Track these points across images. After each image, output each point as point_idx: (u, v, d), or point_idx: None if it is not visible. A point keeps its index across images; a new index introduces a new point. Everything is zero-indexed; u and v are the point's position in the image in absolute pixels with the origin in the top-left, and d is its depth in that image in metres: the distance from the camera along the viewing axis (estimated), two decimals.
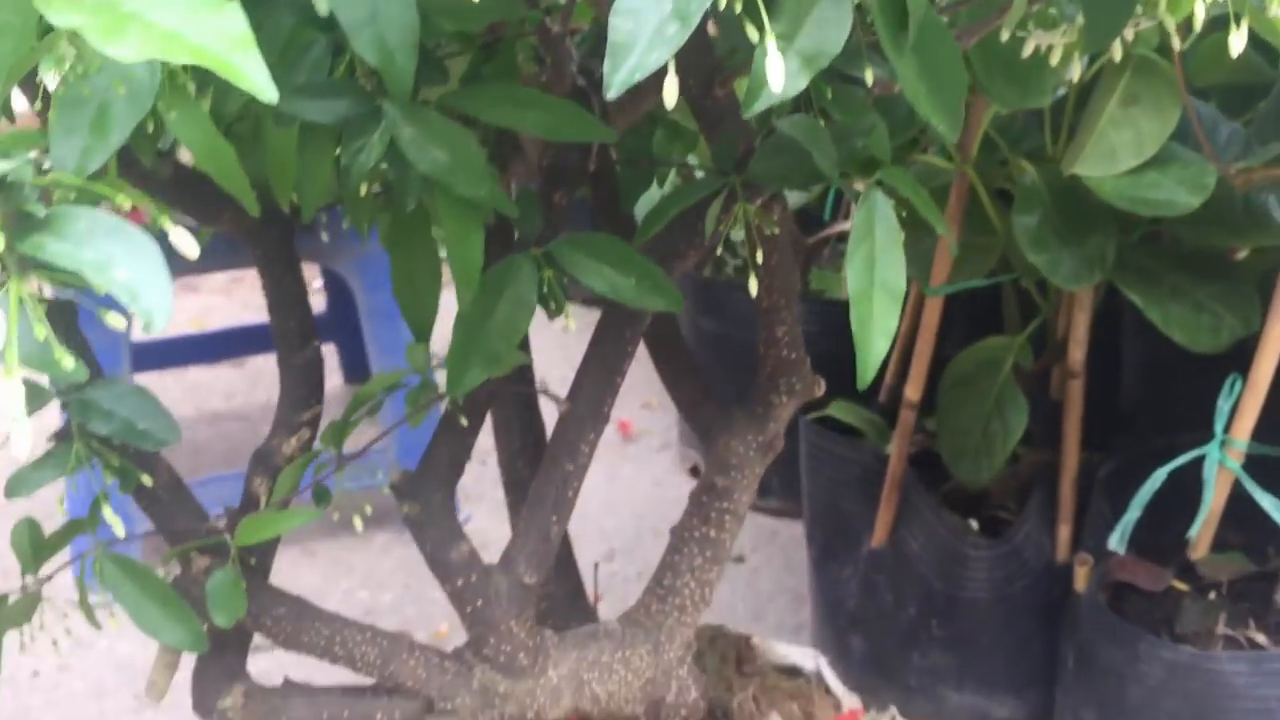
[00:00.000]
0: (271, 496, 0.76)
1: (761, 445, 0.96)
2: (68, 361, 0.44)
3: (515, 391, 0.97)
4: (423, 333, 0.77)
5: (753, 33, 0.53)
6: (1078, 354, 1.29)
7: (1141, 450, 1.29)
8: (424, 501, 0.80)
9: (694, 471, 1.98)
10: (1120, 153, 1.08)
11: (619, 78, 0.48)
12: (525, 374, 0.91)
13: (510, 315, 0.70)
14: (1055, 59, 0.82)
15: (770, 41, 0.50)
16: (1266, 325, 1.10)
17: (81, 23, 0.43)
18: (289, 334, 0.80)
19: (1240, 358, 1.17)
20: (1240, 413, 1.13)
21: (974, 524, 1.38)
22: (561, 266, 0.71)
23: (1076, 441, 1.31)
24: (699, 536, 0.95)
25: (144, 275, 0.42)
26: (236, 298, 2.58)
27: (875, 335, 0.68)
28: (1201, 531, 1.18)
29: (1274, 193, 1.09)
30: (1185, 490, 1.20)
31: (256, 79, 0.41)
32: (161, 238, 0.45)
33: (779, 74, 0.50)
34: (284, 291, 0.80)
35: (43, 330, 0.42)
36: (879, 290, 0.67)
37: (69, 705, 1.49)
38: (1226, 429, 1.15)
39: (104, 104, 0.52)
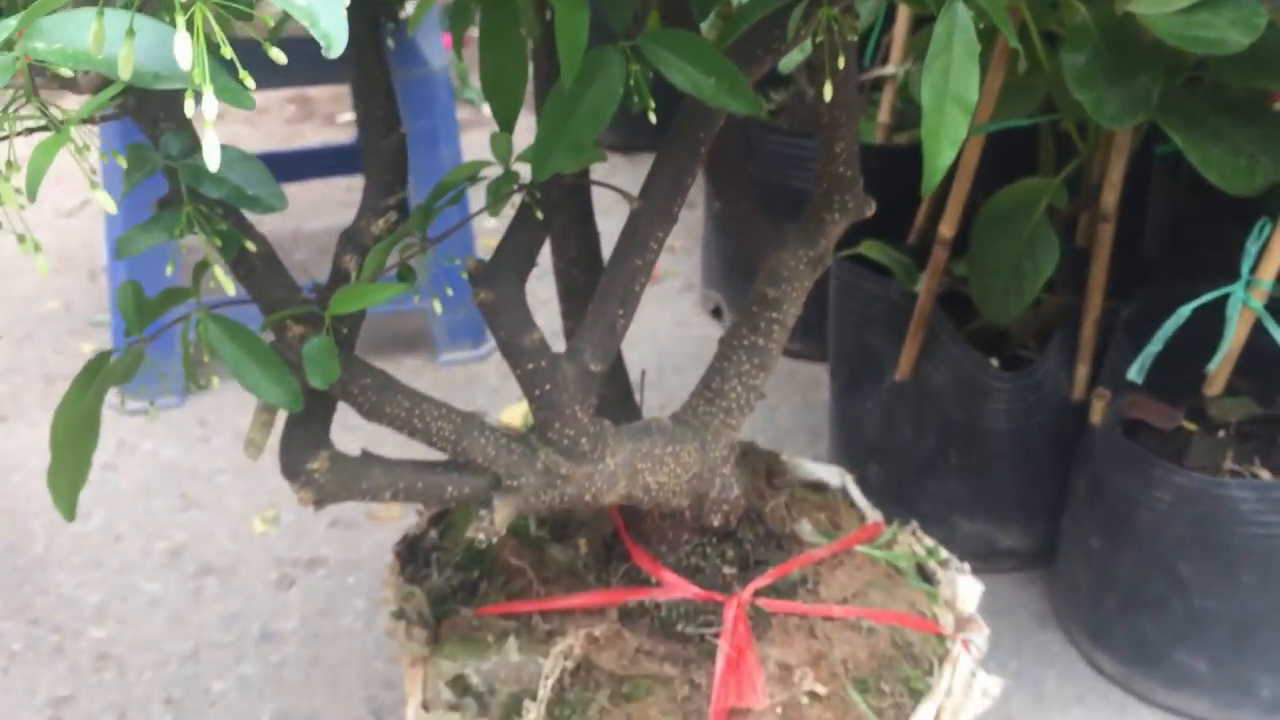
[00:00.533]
0: (360, 273, 0.79)
1: (812, 260, 0.99)
2: (251, 85, 0.47)
3: (574, 203, 1.01)
4: (508, 123, 0.80)
5: None
6: (1111, 197, 1.32)
7: (1164, 294, 1.33)
8: (498, 290, 0.84)
9: (715, 313, 2.02)
10: None
11: None
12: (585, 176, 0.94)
13: (596, 104, 0.73)
14: None
15: None
16: None
17: None
18: (375, 121, 0.83)
19: (1267, 205, 1.21)
20: (1268, 256, 1.17)
21: (995, 362, 1.42)
22: (648, 60, 0.74)
23: (1101, 285, 1.35)
24: (748, 344, 1.00)
25: (320, 1, 0.45)
26: (262, 128, 2.59)
27: (944, 144, 0.71)
28: (1219, 368, 1.23)
29: None
30: (1202, 337, 1.25)
31: None
32: None
33: None
34: (372, 80, 0.83)
35: (229, 51, 0.45)
36: (951, 102, 0.70)
37: (115, 502, 1.55)
38: (1253, 270, 1.19)
39: None
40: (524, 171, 0.81)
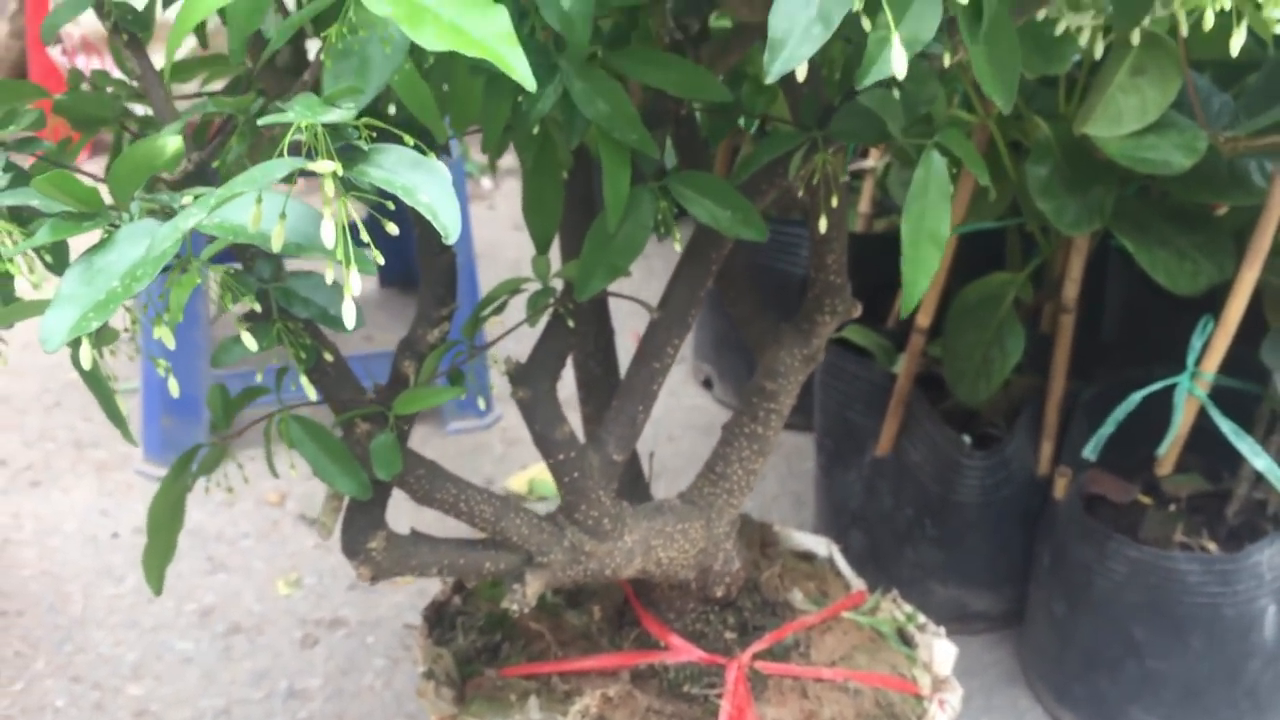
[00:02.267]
0: (418, 377, 0.91)
1: (805, 357, 1.12)
2: (378, 258, 0.59)
3: (594, 307, 1.13)
4: (544, 245, 0.93)
5: (866, 23, 0.68)
6: (1072, 291, 1.45)
7: (1120, 379, 1.46)
8: (534, 389, 0.96)
9: (706, 384, 2.15)
10: (1126, 116, 1.23)
11: (776, 67, 0.63)
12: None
13: (631, 236, 0.85)
14: (1084, 40, 0.98)
15: (895, 36, 0.65)
16: (1239, 273, 1.26)
17: (391, 12, 0.57)
18: (430, 241, 0.95)
19: (1210, 301, 1.34)
20: (1210, 349, 1.30)
21: (967, 439, 1.55)
22: (673, 198, 0.86)
23: (1064, 370, 1.49)
24: (748, 432, 1.12)
25: (441, 198, 0.56)
26: None
27: (920, 275, 0.83)
28: (1168, 451, 1.36)
29: (1255, 159, 1.25)
30: (1155, 418, 1.38)
31: (520, 70, 0.55)
32: None
33: (902, 62, 0.64)
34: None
35: (365, 234, 0.57)
36: (927, 239, 0.83)
37: None
38: (1197, 362, 1.32)
39: (365, 56, 0.66)
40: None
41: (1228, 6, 0.79)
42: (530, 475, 1.82)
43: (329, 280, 0.58)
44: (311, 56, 0.75)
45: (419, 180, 0.57)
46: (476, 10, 0.57)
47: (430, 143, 0.78)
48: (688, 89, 0.80)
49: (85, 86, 0.96)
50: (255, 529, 1.71)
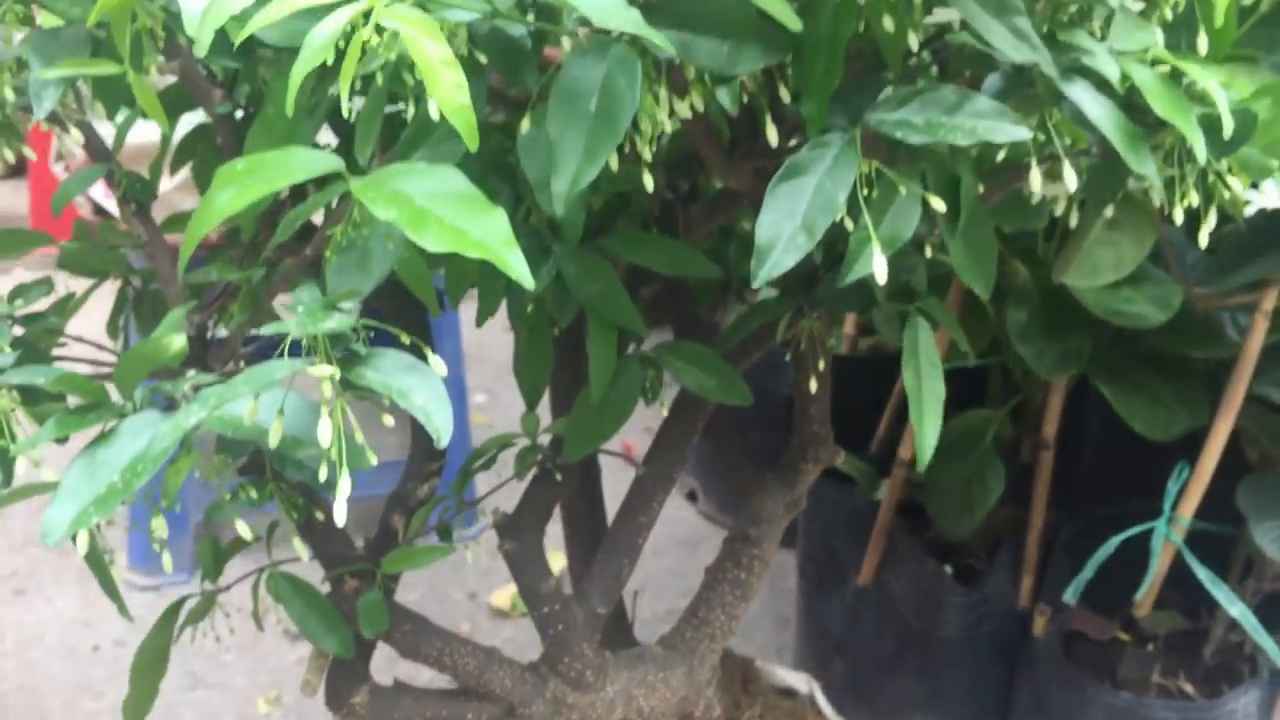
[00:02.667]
0: (407, 531, 0.93)
1: (788, 504, 1.14)
2: (372, 458, 0.61)
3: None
4: (534, 403, 0.95)
5: (848, 222, 0.71)
6: (1050, 429, 1.48)
7: (1098, 515, 1.48)
8: (521, 541, 0.97)
9: (690, 496, 2.16)
10: (1102, 268, 1.26)
11: (762, 273, 0.66)
12: None
13: (619, 404, 0.88)
14: (1059, 210, 1.01)
15: (875, 245, 0.67)
16: (1214, 423, 1.29)
17: (394, 215, 0.59)
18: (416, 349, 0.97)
19: (1188, 441, 1.37)
20: (1186, 495, 1.32)
21: (948, 569, 1.56)
22: (660, 366, 0.89)
23: (1044, 504, 1.51)
24: (730, 577, 1.13)
25: (434, 402, 0.59)
26: None
27: (928, 430, 0.86)
28: (1146, 593, 1.37)
29: (1229, 311, 1.29)
30: (1135, 552, 1.39)
31: (519, 270, 0.58)
32: None
33: (882, 269, 0.67)
34: None
35: (360, 437, 0.59)
36: (928, 396, 0.86)
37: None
38: (1173, 507, 1.34)
39: (367, 250, 0.69)
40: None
41: (1195, 203, 0.82)
42: (514, 590, 1.82)
43: (322, 478, 0.60)
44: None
45: (413, 384, 0.59)
46: (476, 212, 0.59)
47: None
48: (677, 267, 0.83)
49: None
50: (237, 643, 1.70)
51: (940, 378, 0.85)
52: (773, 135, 0.73)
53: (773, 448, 1.40)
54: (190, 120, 0.93)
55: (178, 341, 0.62)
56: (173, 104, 0.91)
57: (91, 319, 0.95)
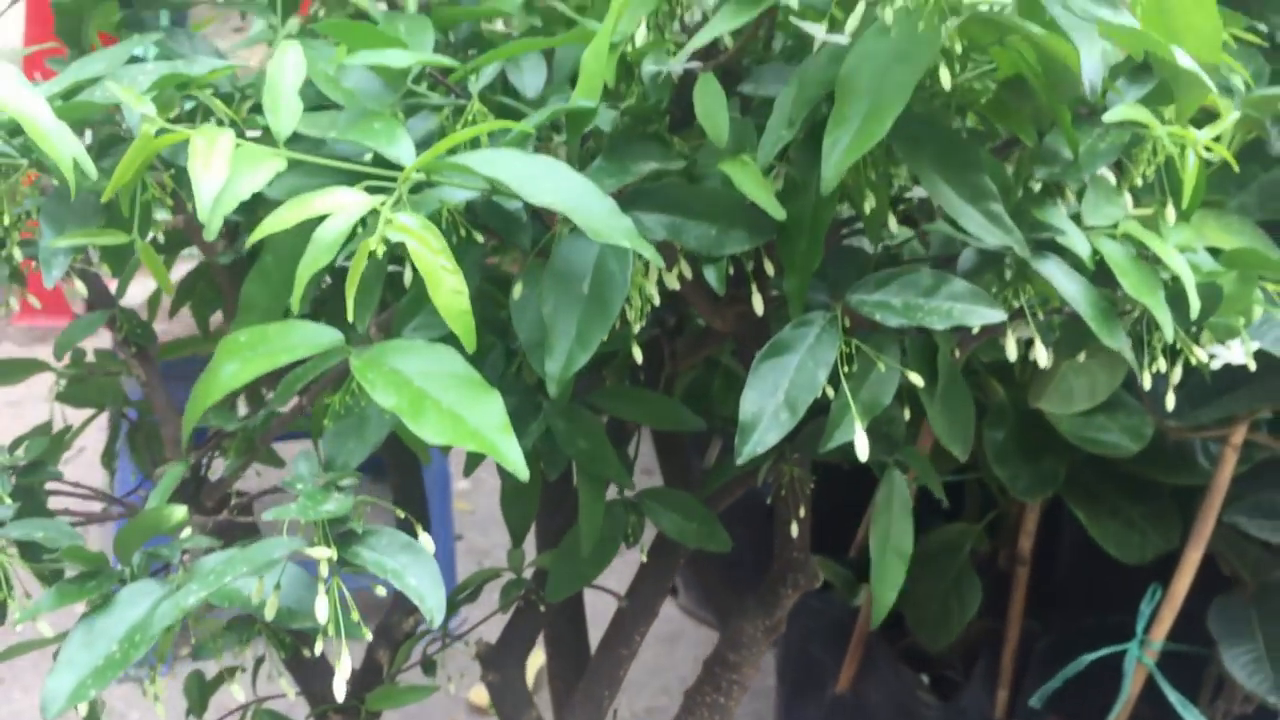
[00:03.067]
0: (392, 666, 0.94)
1: (768, 628, 1.15)
2: (366, 633, 0.63)
3: None
4: (519, 539, 0.97)
5: (829, 390, 0.74)
6: (1026, 544, 1.50)
7: (1075, 629, 1.50)
8: (503, 673, 0.99)
9: (672, 591, 2.17)
10: (1077, 395, 1.29)
11: (745, 450, 0.68)
12: None
13: (601, 548, 0.89)
14: (1041, 360, 1.03)
15: (858, 424, 0.70)
16: (1186, 550, 1.31)
17: (394, 403, 0.61)
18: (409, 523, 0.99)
19: (1158, 569, 1.39)
20: (1158, 619, 1.35)
21: (925, 679, 1.58)
22: (642, 512, 0.91)
23: (1019, 618, 1.52)
24: (709, 702, 1.14)
25: (428, 583, 0.60)
26: None
27: (887, 588, 0.88)
28: (1119, 713, 1.39)
29: (1199, 441, 1.32)
30: (1112, 660, 1.41)
31: (514, 461, 0.60)
32: None
33: (863, 443, 0.70)
34: (408, 494, 0.99)
35: (356, 615, 0.61)
36: (891, 554, 0.88)
37: None
38: (1146, 630, 1.36)
39: (364, 416, 0.71)
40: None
41: (1163, 367, 0.85)
42: None
43: (318, 651, 0.61)
44: None
45: (407, 563, 0.61)
46: (473, 397, 0.61)
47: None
48: (662, 421, 0.85)
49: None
50: None
51: (910, 531, 0.87)
52: (758, 305, 0.76)
53: (754, 546, 1.42)
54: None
55: (178, 513, 0.64)
56: (174, 241, 0.93)
57: (87, 443, 0.97)
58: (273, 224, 0.58)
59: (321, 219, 0.60)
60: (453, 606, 0.99)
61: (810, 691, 1.64)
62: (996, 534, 1.60)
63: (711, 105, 0.71)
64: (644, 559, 0.92)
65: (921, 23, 0.62)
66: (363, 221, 0.62)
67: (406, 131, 0.70)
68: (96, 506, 0.87)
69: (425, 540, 0.65)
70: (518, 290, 0.75)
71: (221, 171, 0.59)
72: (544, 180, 0.61)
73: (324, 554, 0.60)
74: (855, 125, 0.64)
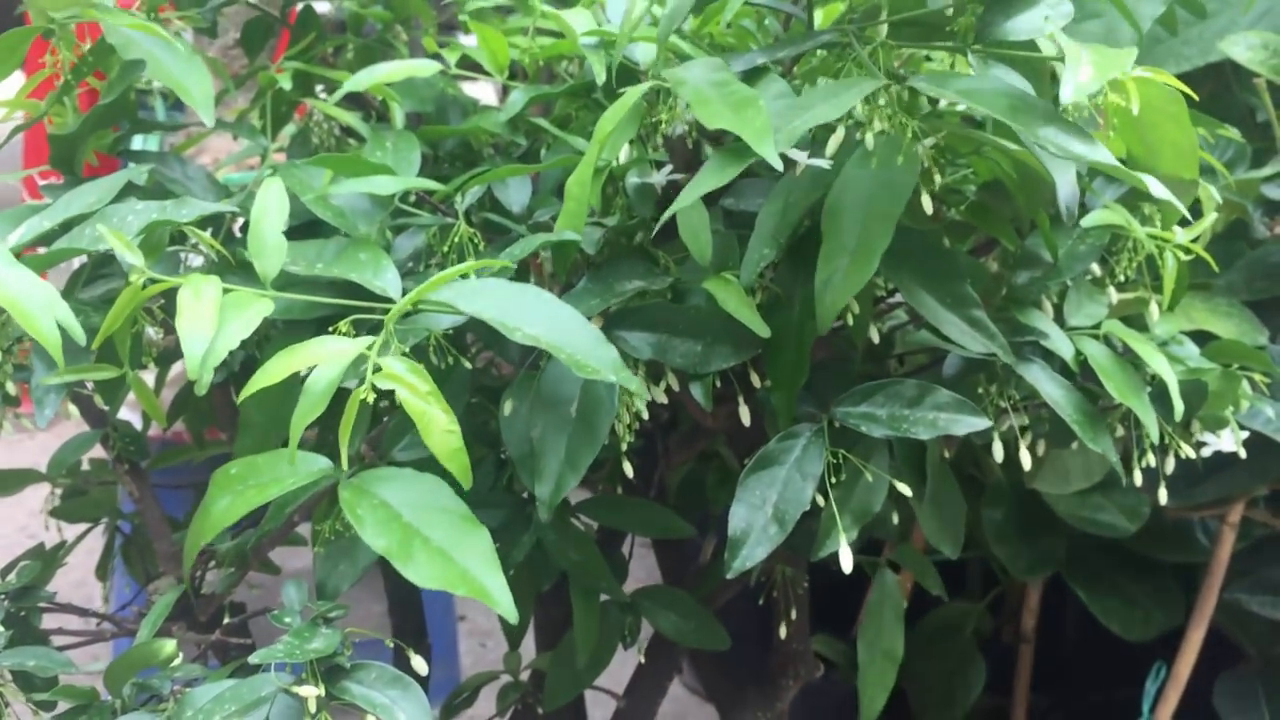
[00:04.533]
0: None
1: None
2: None
3: None
4: (514, 643, 0.97)
5: (819, 498, 0.74)
6: (1030, 621, 1.49)
7: (1079, 707, 1.49)
8: None
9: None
10: (1073, 475, 1.29)
11: (735, 564, 0.68)
12: None
13: (599, 654, 0.89)
14: (1025, 464, 1.03)
15: (842, 539, 0.70)
16: (1189, 628, 1.31)
17: (384, 545, 0.61)
18: (405, 632, 0.99)
19: (1162, 646, 1.38)
20: (1164, 700, 1.33)
21: None
22: (638, 613, 0.91)
23: (1025, 695, 1.51)
24: None
25: (417, 718, 0.60)
26: None
27: (876, 691, 0.87)
28: None
29: (1198, 519, 1.31)
30: None
31: (501, 600, 0.59)
32: None
33: (848, 558, 0.70)
34: (403, 599, 0.99)
35: None
36: (882, 657, 0.88)
37: None
38: (1152, 709, 1.35)
39: (353, 542, 0.71)
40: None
41: (1153, 462, 0.85)
42: None
43: None
44: None
45: (396, 697, 0.61)
46: (462, 535, 0.61)
47: None
48: (653, 530, 0.85)
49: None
50: None
51: (901, 635, 0.87)
52: (745, 416, 0.76)
53: (753, 628, 1.41)
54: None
55: (168, 647, 0.64)
56: (168, 355, 0.94)
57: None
58: (262, 379, 0.59)
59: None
60: (451, 710, 0.99)
61: None
62: (999, 611, 1.59)
63: (695, 224, 0.72)
64: (642, 660, 0.92)
65: (901, 156, 0.63)
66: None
67: (390, 261, 0.71)
68: (91, 622, 0.88)
69: (418, 664, 0.65)
70: (508, 407, 0.75)
71: (209, 324, 0.60)
72: (527, 313, 0.61)
73: (312, 693, 0.59)
74: (844, 265, 0.65)
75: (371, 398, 0.57)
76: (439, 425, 0.56)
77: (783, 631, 0.97)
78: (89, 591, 0.97)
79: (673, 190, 0.81)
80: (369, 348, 0.59)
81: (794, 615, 0.96)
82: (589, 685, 0.90)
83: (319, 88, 1.02)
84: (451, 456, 0.57)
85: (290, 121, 1.06)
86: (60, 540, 0.93)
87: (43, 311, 0.56)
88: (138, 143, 0.97)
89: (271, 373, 0.59)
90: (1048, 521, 1.38)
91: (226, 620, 0.80)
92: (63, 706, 0.68)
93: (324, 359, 0.58)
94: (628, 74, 0.83)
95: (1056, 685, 1.60)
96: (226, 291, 0.64)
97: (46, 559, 0.88)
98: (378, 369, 0.57)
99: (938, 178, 0.69)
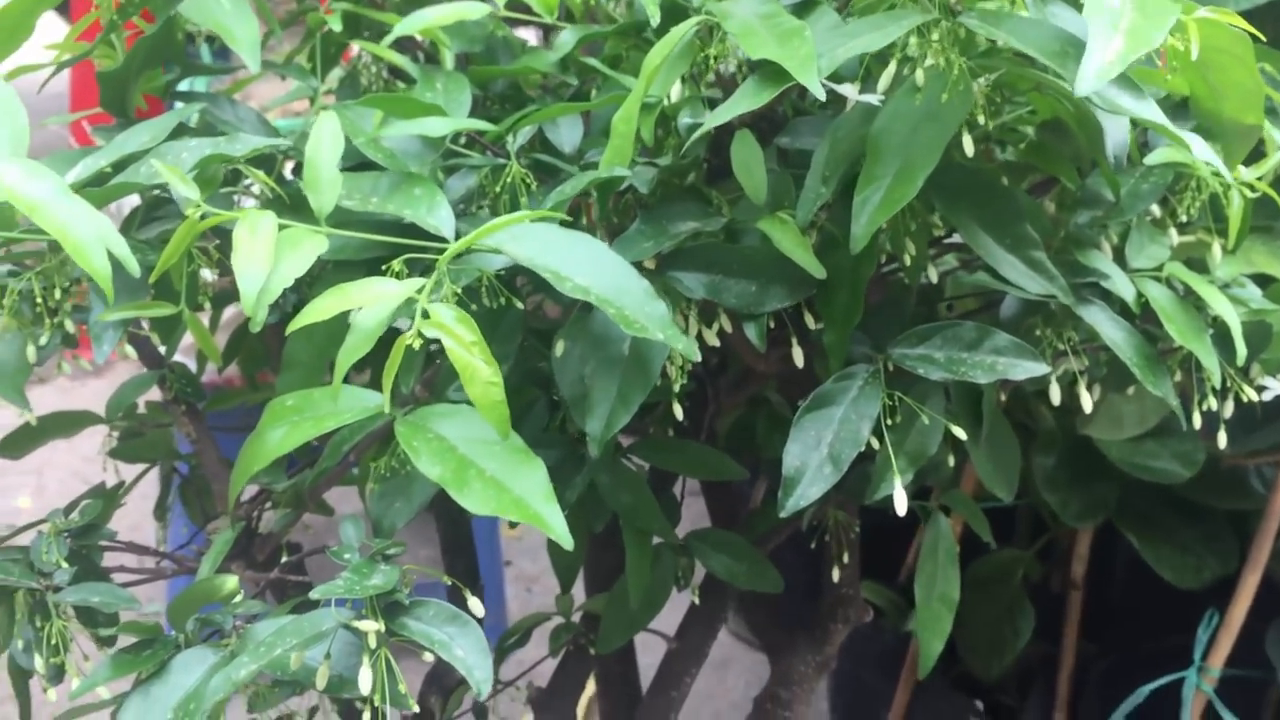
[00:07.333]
0: (444, 713, 0.95)
1: (819, 664, 1.15)
2: (413, 704, 0.63)
3: None
4: (568, 586, 0.97)
5: (873, 440, 0.73)
6: (1079, 569, 1.48)
7: (1130, 654, 1.48)
8: (554, 714, 0.99)
9: None
10: (1126, 421, 1.28)
11: (789, 503, 0.68)
12: None
13: (653, 593, 0.90)
14: (1086, 406, 1.02)
15: (897, 480, 0.70)
16: (1243, 575, 1.29)
17: (439, 474, 0.62)
18: (457, 574, 0.99)
19: (1215, 593, 1.37)
20: (1216, 646, 1.33)
21: (979, 705, 1.56)
22: (691, 555, 0.91)
23: (1074, 643, 1.51)
24: None
25: (475, 654, 0.61)
26: None
27: (933, 636, 0.87)
28: None
29: (1253, 466, 1.30)
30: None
31: (557, 527, 0.60)
32: None
33: (902, 500, 0.69)
34: (455, 530, 1.00)
35: (403, 686, 0.62)
36: (937, 601, 0.87)
37: None
38: (1204, 656, 1.34)
39: (409, 479, 0.72)
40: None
41: (1213, 405, 0.84)
42: None
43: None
44: None
45: (454, 633, 0.62)
46: (517, 465, 0.61)
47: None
48: (705, 471, 0.85)
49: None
50: None
51: (956, 580, 0.87)
52: (799, 358, 0.76)
53: (803, 573, 1.41)
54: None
55: (229, 583, 0.65)
56: (222, 297, 0.95)
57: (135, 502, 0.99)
58: (311, 314, 0.59)
59: None
60: (502, 652, 1.00)
61: (863, 718, 1.63)
62: (1049, 558, 1.58)
63: (749, 162, 0.71)
64: (695, 601, 0.92)
65: (945, 94, 0.62)
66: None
67: (445, 198, 0.70)
68: (150, 561, 0.89)
69: (474, 605, 0.65)
70: (560, 347, 0.75)
71: (265, 261, 0.60)
72: (578, 261, 0.61)
73: (372, 628, 0.60)
74: (885, 185, 0.64)
75: (419, 344, 0.57)
76: (482, 376, 0.56)
77: (835, 575, 0.97)
78: (144, 534, 0.99)
79: (725, 130, 0.80)
80: (419, 290, 0.59)
81: (845, 559, 0.95)
82: (644, 626, 0.90)
83: (365, 31, 1.01)
84: (492, 408, 0.57)
85: (337, 65, 1.05)
86: (119, 481, 0.94)
87: (95, 244, 0.56)
88: (186, 86, 0.97)
89: (320, 310, 0.59)
90: (1099, 468, 1.37)
91: (284, 559, 0.81)
92: (124, 641, 0.69)
93: (373, 300, 0.58)
94: (678, 12, 0.82)
95: (1106, 631, 1.59)
96: (281, 228, 0.65)
97: (106, 497, 0.89)
98: (425, 315, 0.57)
99: (983, 119, 0.67)
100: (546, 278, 0.62)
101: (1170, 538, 1.35)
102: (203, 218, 0.64)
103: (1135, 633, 1.62)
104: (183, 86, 0.98)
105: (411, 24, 0.86)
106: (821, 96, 0.58)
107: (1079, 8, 0.68)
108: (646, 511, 0.81)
